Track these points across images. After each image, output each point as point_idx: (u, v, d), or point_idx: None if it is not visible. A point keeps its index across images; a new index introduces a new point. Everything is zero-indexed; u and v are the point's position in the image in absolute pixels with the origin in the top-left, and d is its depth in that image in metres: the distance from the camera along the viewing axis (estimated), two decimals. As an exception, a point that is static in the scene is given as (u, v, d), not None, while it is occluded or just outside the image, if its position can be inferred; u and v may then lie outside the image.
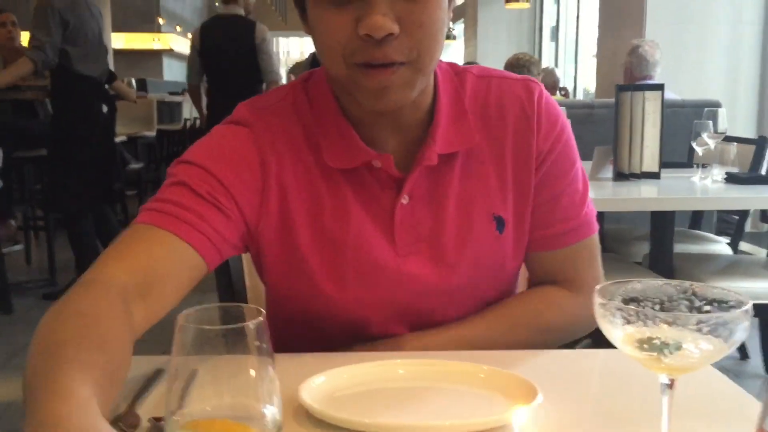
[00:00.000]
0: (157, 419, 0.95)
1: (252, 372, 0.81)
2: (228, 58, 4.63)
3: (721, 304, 0.67)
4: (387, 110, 0.99)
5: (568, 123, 1.13)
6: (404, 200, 1.07)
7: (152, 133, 7.52)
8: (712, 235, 3.52)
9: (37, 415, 0.68)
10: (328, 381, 1.04)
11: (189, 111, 8.95)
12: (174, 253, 0.94)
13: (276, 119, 1.05)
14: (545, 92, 1.11)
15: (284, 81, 7.54)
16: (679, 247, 3.14)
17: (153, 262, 0.94)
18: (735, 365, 3.18)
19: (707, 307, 0.67)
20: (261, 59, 4.61)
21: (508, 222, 1.11)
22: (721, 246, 3.39)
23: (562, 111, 1.13)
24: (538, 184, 1.10)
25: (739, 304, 0.65)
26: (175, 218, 0.94)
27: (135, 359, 1.01)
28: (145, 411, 0.98)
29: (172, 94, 10.45)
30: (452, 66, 1.13)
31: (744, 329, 0.65)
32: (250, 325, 0.81)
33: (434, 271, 1.11)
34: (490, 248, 1.12)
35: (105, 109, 4.38)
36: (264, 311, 0.80)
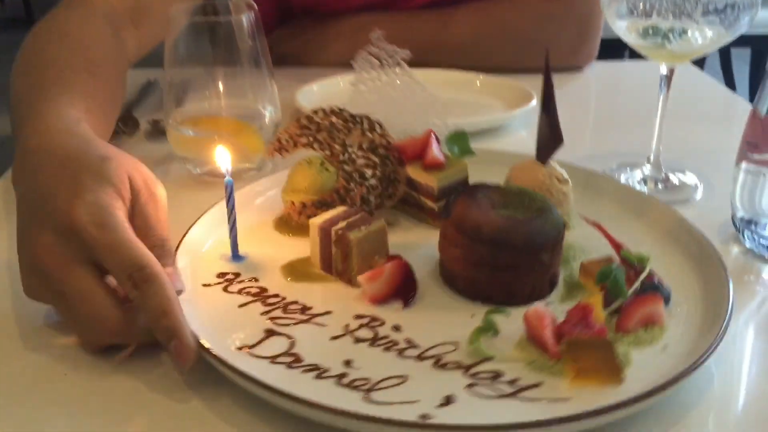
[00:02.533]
0: (156, 121, 0.99)
1: (247, 72, 0.82)
2: None
3: None
4: None
5: None
6: None
7: None
8: None
9: (23, 140, 0.64)
10: (323, 88, 1.09)
11: None
12: None
13: None
14: None
15: None
16: None
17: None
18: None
19: None
20: None
21: None
22: None
23: None
24: None
25: None
26: None
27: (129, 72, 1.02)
28: (142, 115, 1.02)
29: None
30: None
31: (749, 18, 0.64)
32: (242, 18, 0.79)
33: None
34: None
35: None
36: (255, 5, 0.78)
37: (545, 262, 0.60)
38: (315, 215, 0.67)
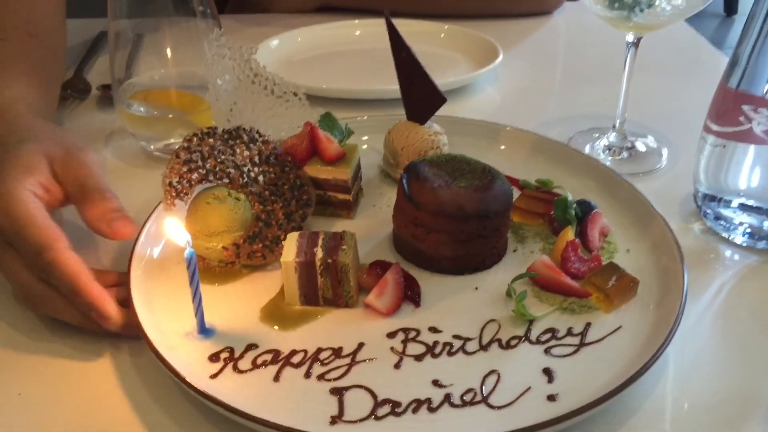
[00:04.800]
0: (106, 86, 0.89)
1: (196, 37, 0.73)
2: None
3: None
4: None
5: None
6: None
7: None
8: None
9: None
10: (282, 44, 0.98)
11: None
12: None
13: None
14: None
15: None
16: None
17: None
18: (719, 25, 3.18)
19: None
20: None
21: None
22: None
23: None
24: None
25: None
26: None
27: (75, 23, 0.95)
28: (93, 77, 0.93)
29: None
30: None
31: None
32: None
33: None
34: None
35: None
36: None
37: (511, 217, 0.64)
38: (253, 252, 0.61)
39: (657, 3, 0.65)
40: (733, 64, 0.62)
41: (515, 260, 0.64)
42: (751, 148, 0.63)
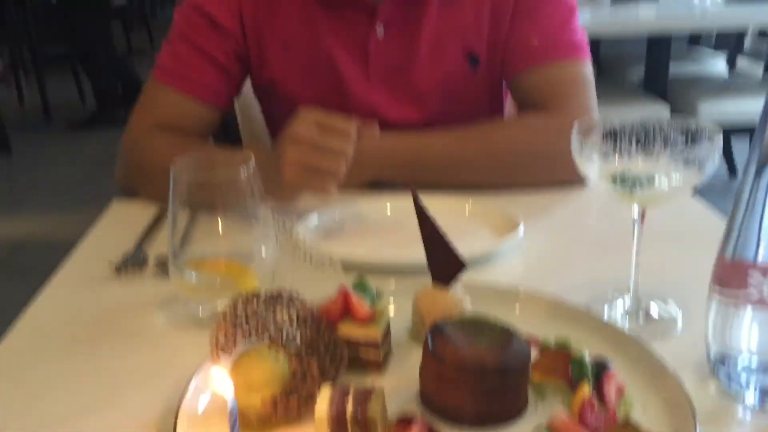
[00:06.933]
0: (163, 259, 0.97)
1: (245, 215, 0.83)
2: None
3: (695, 137, 0.72)
4: None
5: None
6: (379, 32, 1.15)
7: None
8: (710, 51, 3.41)
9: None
10: (320, 221, 1.07)
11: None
12: (193, 110, 1.20)
13: None
14: None
15: None
16: (675, 66, 3.03)
17: (176, 120, 1.20)
18: (723, 185, 3.33)
19: (681, 140, 0.73)
20: None
21: (481, 59, 1.16)
22: (718, 62, 3.29)
23: None
24: (515, 4, 1.13)
25: (711, 138, 0.72)
26: (185, 80, 1.19)
27: (139, 204, 1.15)
28: (152, 250, 1.02)
29: None
30: None
31: (714, 162, 0.71)
32: (240, 171, 0.81)
33: (405, 102, 1.18)
34: (462, 83, 1.17)
35: None
36: (253, 155, 0.83)
37: (530, 374, 0.69)
38: (289, 406, 0.66)
39: (656, 181, 0.71)
40: (727, 233, 0.68)
41: (535, 415, 0.67)
42: (750, 311, 0.67)
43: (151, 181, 1.15)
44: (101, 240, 1.09)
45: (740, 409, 0.70)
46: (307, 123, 0.97)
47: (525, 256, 1.00)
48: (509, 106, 1.33)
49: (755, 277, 0.65)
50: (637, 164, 0.71)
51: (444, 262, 0.78)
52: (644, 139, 0.73)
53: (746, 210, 0.66)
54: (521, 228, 1.02)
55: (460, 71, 1.19)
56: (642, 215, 0.79)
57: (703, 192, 1.19)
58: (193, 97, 1.20)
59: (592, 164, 0.74)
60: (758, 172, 0.64)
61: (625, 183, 0.71)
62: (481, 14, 1.16)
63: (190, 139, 1.15)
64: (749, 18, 2.84)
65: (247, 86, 1.33)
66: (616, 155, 0.71)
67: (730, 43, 3.65)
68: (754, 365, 0.69)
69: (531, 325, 0.80)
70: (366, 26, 1.16)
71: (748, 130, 2.80)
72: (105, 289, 0.94)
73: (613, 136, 0.73)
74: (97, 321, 0.87)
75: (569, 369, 0.70)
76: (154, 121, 1.20)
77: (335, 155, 0.96)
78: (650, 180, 0.71)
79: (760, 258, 0.65)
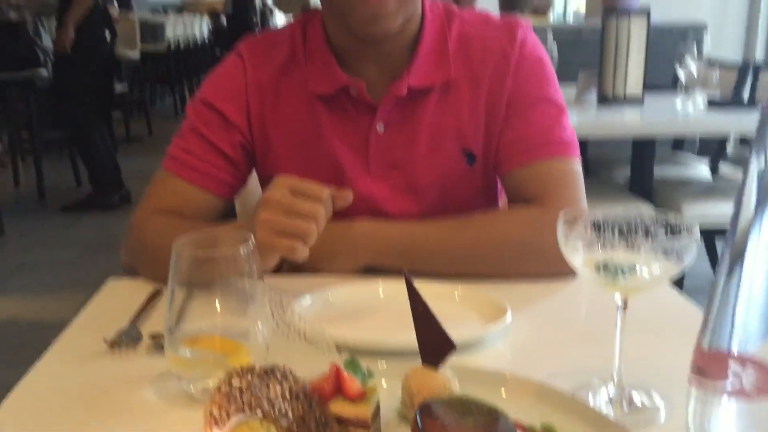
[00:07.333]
0: (157, 337, 0.99)
1: (242, 293, 0.86)
2: None
3: (674, 230, 0.76)
4: (376, 37, 1.14)
5: (548, 62, 1.22)
6: (379, 128, 1.21)
7: (136, 56, 7.63)
8: (693, 156, 3.51)
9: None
10: (314, 302, 1.10)
11: (172, 30, 8.92)
12: (198, 198, 1.26)
13: (269, 50, 1.27)
14: (529, 35, 1.19)
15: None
16: (660, 169, 3.11)
17: (183, 209, 1.25)
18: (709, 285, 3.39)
19: (661, 232, 0.76)
20: None
21: (477, 156, 1.21)
22: (701, 167, 3.38)
23: (544, 51, 1.22)
24: (508, 105, 1.19)
25: (689, 231, 0.75)
26: (193, 170, 1.25)
27: (134, 282, 1.19)
28: (146, 327, 1.03)
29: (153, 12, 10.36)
30: (447, 7, 1.22)
31: (692, 253, 0.75)
32: (240, 249, 0.85)
33: (404, 196, 1.23)
34: (460, 179, 1.23)
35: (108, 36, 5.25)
36: (252, 236, 0.87)
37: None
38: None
39: (637, 270, 0.75)
40: (704, 324, 0.70)
41: (520, 497, 0.69)
42: (727, 401, 0.69)
43: (152, 261, 1.19)
44: (95, 317, 1.11)
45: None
46: (280, 188, 1.04)
47: (512, 342, 1.02)
48: (504, 200, 1.38)
49: (733, 367, 0.67)
50: (620, 254, 0.74)
51: (434, 342, 0.81)
52: (626, 230, 0.76)
53: (720, 301, 0.69)
54: (509, 314, 1.04)
55: (458, 167, 1.24)
56: (624, 304, 0.82)
57: (690, 292, 1.25)
58: (199, 187, 1.26)
59: (576, 253, 0.77)
60: (731, 265, 0.68)
61: (608, 271, 0.75)
62: (477, 114, 1.22)
63: (193, 222, 1.19)
64: (730, 125, 2.96)
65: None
66: (599, 245, 0.75)
67: (713, 148, 3.77)
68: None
69: (517, 410, 0.82)
70: (367, 123, 1.22)
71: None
72: (98, 364, 0.95)
73: (597, 227, 0.77)
74: (89, 396, 0.88)
75: (554, 451, 0.72)
76: (161, 206, 1.26)
77: (304, 218, 1.02)
78: (632, 269, 0.74)
79: (734, 348, 0.68)
